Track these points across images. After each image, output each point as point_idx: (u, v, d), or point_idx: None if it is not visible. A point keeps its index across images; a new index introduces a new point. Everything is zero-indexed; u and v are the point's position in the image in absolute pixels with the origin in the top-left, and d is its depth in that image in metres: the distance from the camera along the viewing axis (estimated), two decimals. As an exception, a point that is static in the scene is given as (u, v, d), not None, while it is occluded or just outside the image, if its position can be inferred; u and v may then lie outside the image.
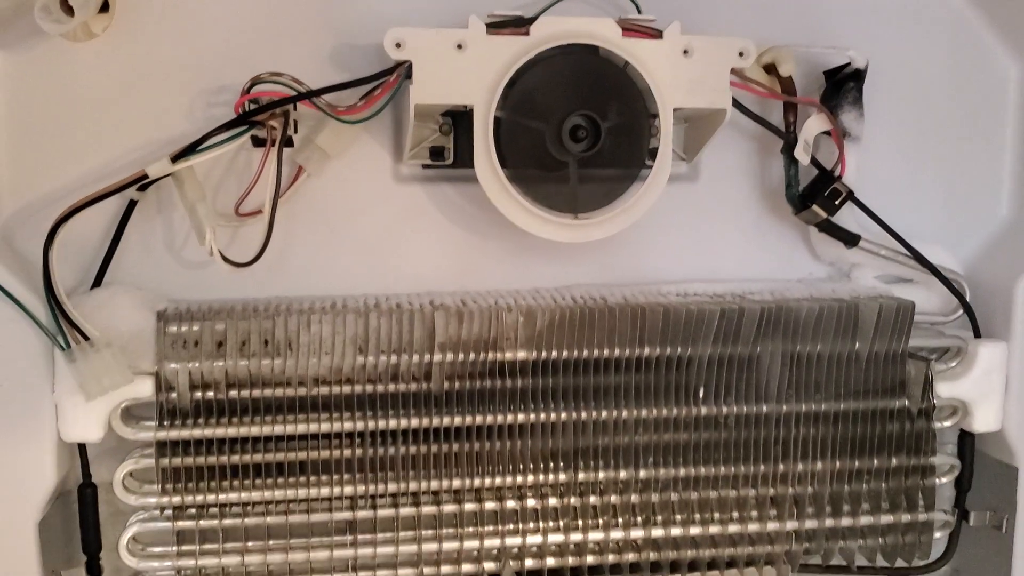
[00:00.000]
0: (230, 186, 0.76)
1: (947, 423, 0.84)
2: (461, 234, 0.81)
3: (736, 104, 0.75)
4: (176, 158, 0.69)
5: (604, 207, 0.75)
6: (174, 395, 0.72)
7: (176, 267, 0.77)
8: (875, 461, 0.81)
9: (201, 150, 0.70)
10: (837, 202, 0.79)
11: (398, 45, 0.69)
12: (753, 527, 0.80)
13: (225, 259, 0.71)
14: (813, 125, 0.79)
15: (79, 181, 0.73)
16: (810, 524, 0.81)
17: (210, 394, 0.73)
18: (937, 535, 0.85)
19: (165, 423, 0.72)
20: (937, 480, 0.83)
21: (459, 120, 0.77)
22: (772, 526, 0.81)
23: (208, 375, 0.72)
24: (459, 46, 0.70)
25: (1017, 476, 0.84)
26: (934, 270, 0.82)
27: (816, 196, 0.79)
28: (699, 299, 0.79)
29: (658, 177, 0.74)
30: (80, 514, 0.75)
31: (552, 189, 0.74)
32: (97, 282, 0.74)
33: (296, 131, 0.76)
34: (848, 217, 0.81)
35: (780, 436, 0.79)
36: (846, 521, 0.82)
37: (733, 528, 0.80)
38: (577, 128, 0.72)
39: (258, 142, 0.75)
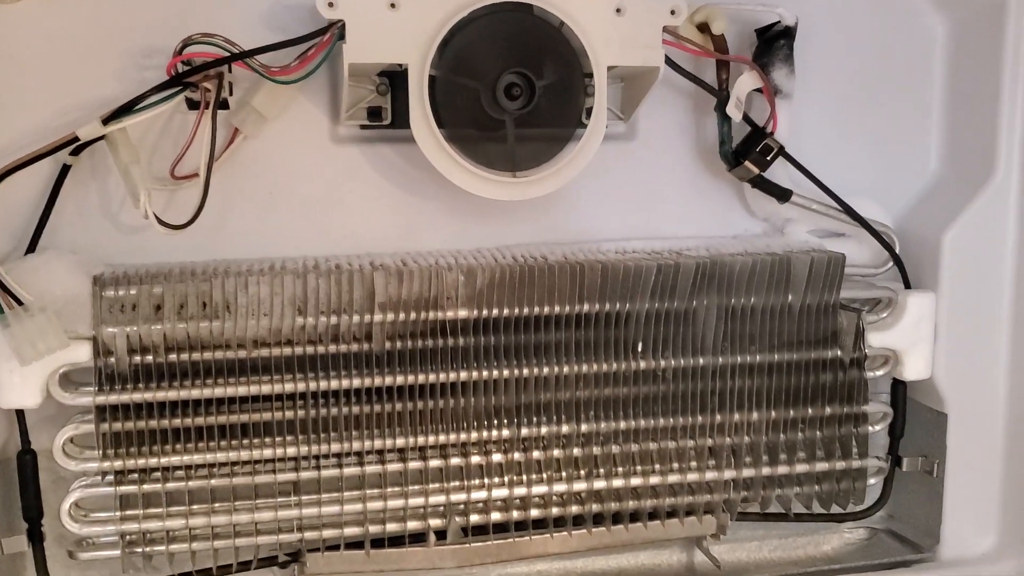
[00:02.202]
0: (166, 150, 0.76)
1: (879, 372, 0.86)
2: (401, 195, 0.81)
3: (669, 62, 0.76)
4: (108, 120, 0.68)
5: (542, 165, 0.75)
6: (112, 359, 0.72)
7: (112, 232, 0.76)
8: (809, 410, 0.83)
9: (133, 112, 0.69)
10: (769, 157, 0.80)
11: (330, 4, 0.69)
12: (692, 477, 0.82)
13: (160, 222, 0.70)
14: (745, 82, 0.80)
15: (8, 146, 0.72)
16: (748, 473, 0.83)
17: (149, 358, 0.73)
18: (871, 481, 0.87)
19: (104, 388, 0.72)
20: (870, 428, 0.86)
21: (396, 80, 0.77)
22: (711, 475, 0.83)
23: (146, 339, 0.72)
24: (392, 4, 0.70)
25: (947, 422, 0.86)
26: (864, 223, 0.84)
27: (749, 152, 0.80)
28: (636, 256, 0.80)
29: (594, 134, 0.75)
30: (20, 481, 0.75)
31: (490, 148, 0.74)
32: (31, 248, 0.73)
33: (231, 93, 0.75)
34: (781, 173, 0.83)
35: (717, 388, 0.81)
36: (782, 469, 0.84)
37: (673, 478, 0.82)
38: (512, 86, 0.72)
39: (193, 105, 0.74)
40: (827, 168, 0.84)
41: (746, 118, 0.81)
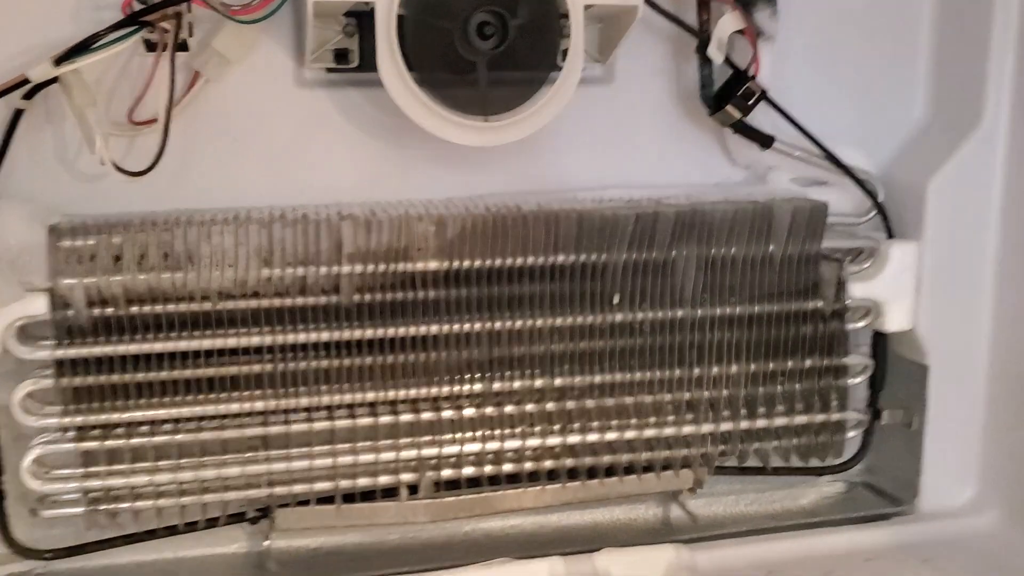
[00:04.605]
0: (124, 94, 0.72)
1: (860, 324, 0.84)
2: (369, 141, 0.78)
3: (648, 2, 0.74)
4: (60, 60, 0.66)
5: (515, 109, 0.73)
6: (71, 312, 0.70)
7: (69, 180, 0.73)
8: (789, 362, 0.82)
9: (87, 52, 0.66)
10: (751, 102, 0.78)
11: (293, -62, 0.66)
12: (669, 431, 0.81)
13: (118, 168, 0.68)
14: (727, 23, 0.77)
15: (-43, 90, 0.69)
16: (726, 426, 0.82)
17: (109, 310, 0.70)
18: (851, 434, 0.86)
19: (63, 341, 0.70)
20: (850, 380, 0.85)
21: (363, 21, 0.73)
22: (688, 429, 0.81)
23: (106, 290, 0.70)
24: (358, -61, 0.67)
25: (927, 374, 0.85)
26: (847, 170, 0.82)
27: (730, 96, 0.78)
28: (614, 204, 0.78)
29: (569, 77, 0.73)
30: (-23, 438, 0.73)
31: (461, 92, 0.72)
32: (-17, 197, 0.71)
33: (191, 34, 0.72)
34: (763, 118, 0.81)
35: (695, 340, 0.80)
36: (761, 422, 0.83)
37: (650, 433, 0.81)
38: (484, 24, 0.70)
39: (151, 47, 0.71)
40: (810, 114, 0.81)
41: (728, 61, 0.78)
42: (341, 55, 0.75)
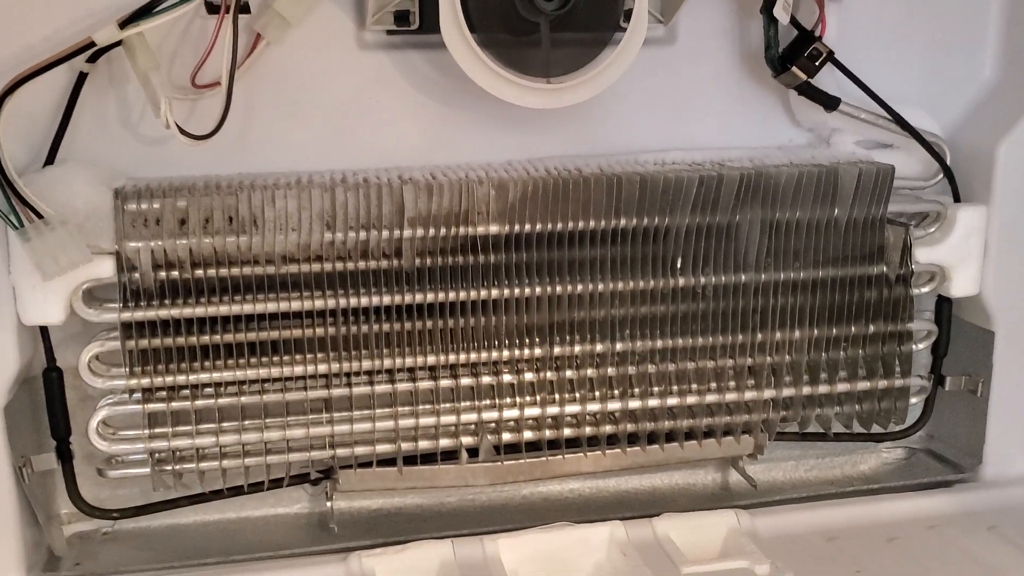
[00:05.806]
0: (186, 57, 0.72)
1: (925, 289, 0.83)
2: (430, 104, 0.77)
3: (713, -40, 0.72)
4: (124, 24, 0.65)
5: (578, 71, 0.72)
6: (136, 275, 0.70)
7: (133, 143, 0.74)
8: (853, 328, 0.81)
9: (151, 15, 0.66)
10: (817, 63, 0.76)
11: (356, -102, 0.65)
12: (730, 396, 0.80)
13: (182, 131, 0.68)
14: (793, -17, 0.76)
15: (23, 55, 0.68)
16: (787, 392, 0.81)
17: (175, 273, 0.71)
18: (913, 400, 0.85)
19: (129, 304, 0.70)
20: (914, 346, 0.83)
21: (424, -19, 0.73)
22: (750, 395, 0.81)
23: (171, 253, 0.70)
24: (421, -103, 0.66)
25: (993, 340, 0.84)
26: (914, 133, 0.80)
27: (796, 57, 0.77)
28: (677, 167, 0.77)
29: (633, 38, 0.71)
30: (47, 398, 0.74)
31: (524, 53, 0.71)
32: (50, 160, 0.71)
33: (253, -4, 0.72)
34: (828, 80, 0.79)
35: (758, 305, 0.79)
36: (823, 388, 0.82)
37: (711, 398, 0.80)
38: (548, -15, 0.69)
39: (213, 9, 0.71)
40: (876, 75, 0.80)
41: (793, 21, 0.77)
42: (402, 17, 0.74)
